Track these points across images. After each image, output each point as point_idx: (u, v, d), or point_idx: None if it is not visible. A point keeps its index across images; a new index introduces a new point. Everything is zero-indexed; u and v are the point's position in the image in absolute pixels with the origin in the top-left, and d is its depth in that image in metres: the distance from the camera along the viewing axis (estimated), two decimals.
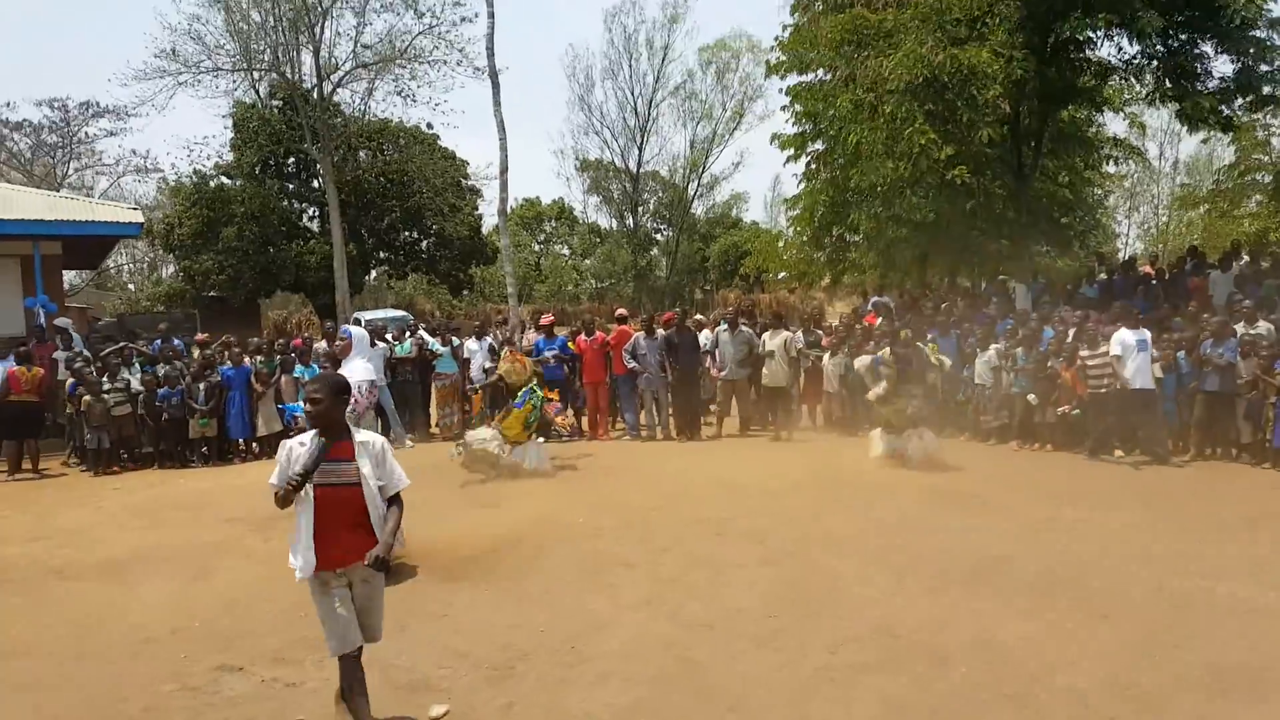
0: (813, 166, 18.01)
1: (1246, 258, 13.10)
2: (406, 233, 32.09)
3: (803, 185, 18.53)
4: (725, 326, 12.61)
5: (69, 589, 6.68)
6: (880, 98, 13.85)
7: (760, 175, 78.99)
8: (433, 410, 13.77)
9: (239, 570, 6.92)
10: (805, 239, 19.07)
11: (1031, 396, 10.67)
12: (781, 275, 21.52)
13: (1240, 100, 13.45)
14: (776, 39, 17.53)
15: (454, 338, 13.86)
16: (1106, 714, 4.05)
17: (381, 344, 12.85)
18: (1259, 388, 9.34)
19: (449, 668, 4.96)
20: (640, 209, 41.54)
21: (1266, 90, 13.19)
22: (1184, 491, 8.44)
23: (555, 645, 5.19)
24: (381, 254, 32.76)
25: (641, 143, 39.59)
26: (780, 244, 21.44)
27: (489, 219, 33.79)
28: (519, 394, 9.97)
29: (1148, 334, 9.89)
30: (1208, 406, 9.76)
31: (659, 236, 43.45)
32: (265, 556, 7.21)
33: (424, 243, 32.59)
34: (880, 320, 13.27)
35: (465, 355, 13.55)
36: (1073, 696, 4.22)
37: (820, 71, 16.57)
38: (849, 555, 6.58)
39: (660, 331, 12.62)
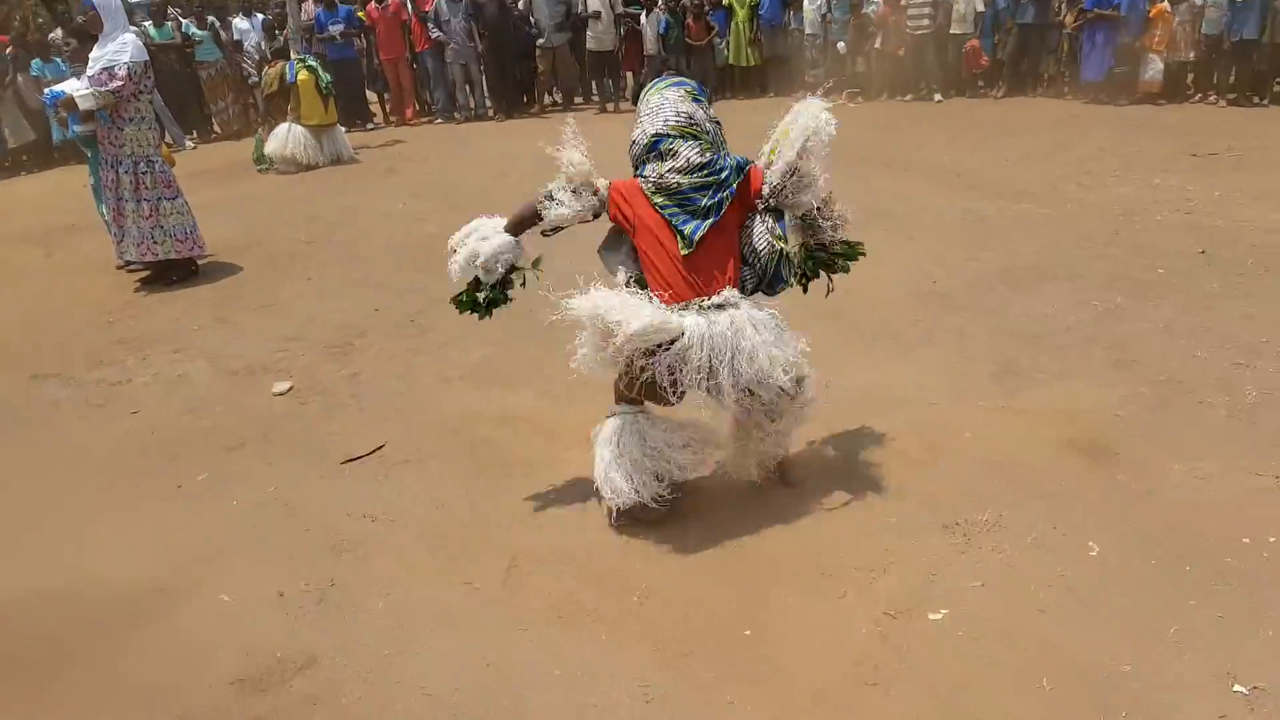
0: None
1: None
2: None
3: None
4: None
5: None
6: None
7: None
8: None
9: (28, 288, 6.43)
10: None
11: (841, 45, 10.69)
12: None
13: None
14: None
15: (212, 18, 11.98)
16: (909, 314, 4.56)
17: (134, 29, 10.97)
18: (1067, 17, 9.69)
19: (284, 351, 4.90)
20: None
21: None
22: (995, 124, 8.97)
23: (393, 322, 5.17)
24: None
25: None
26: None
27: None
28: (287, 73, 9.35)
29: None
30: (1021, 40, 10.12)
31: None
32: (55, 271, 6.79)
33: None
34: None
35: (236, 37, 11.88)
36: (882, 305, 4.70)
37: None
38: None
39: None
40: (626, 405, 2.99)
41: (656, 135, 2.83)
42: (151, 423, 4.22)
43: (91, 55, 5.65)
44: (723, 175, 2.82)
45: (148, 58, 5.78)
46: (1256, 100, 9.04)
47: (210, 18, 11.96)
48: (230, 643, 2.69)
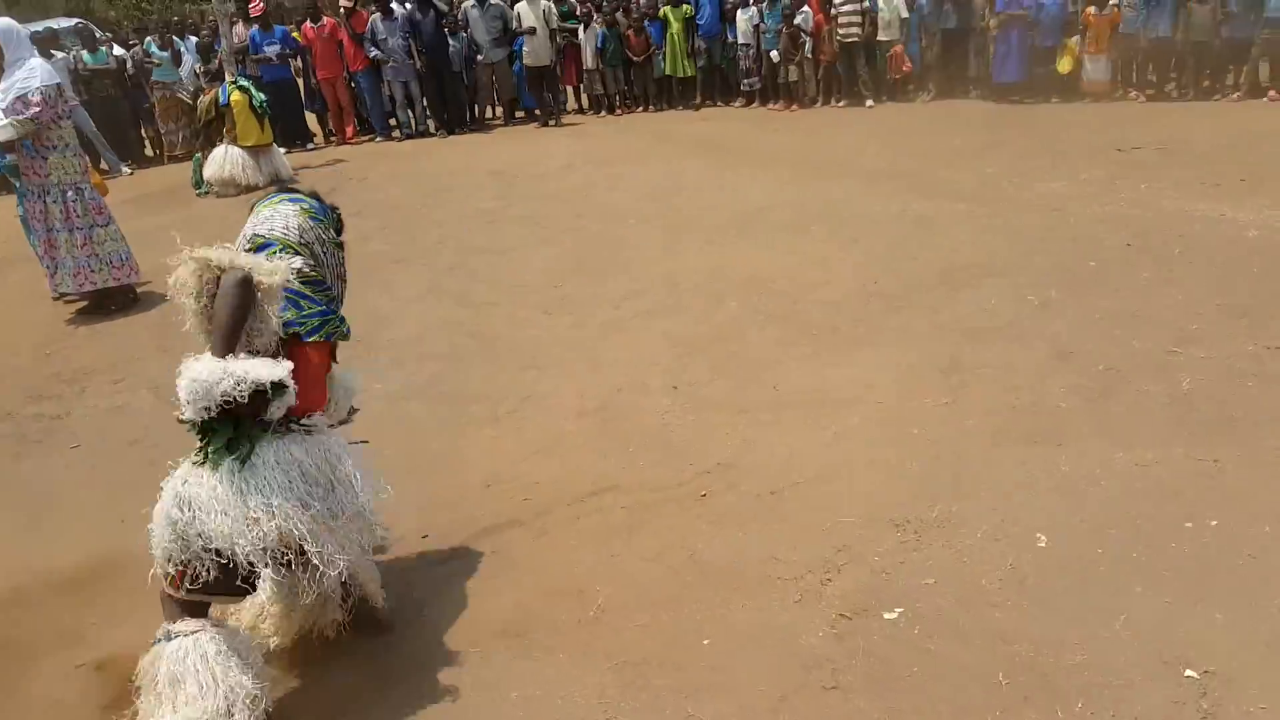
0: None
1: None
2: None
3: None
4: (473, 1, 11.44)
5: None
6: None
7: None
8: (146, 130, 12.14)
9: None
10: None
11: (774, 54, 10.84)
12: None
13: None
14: None
15: (176, 39, 11.78)
16: (853, 314, 4.62)
17: (60, 54, 10.72)
18: (990, 21, 9.89)
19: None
20: None
21: None
22: (926, 127, 9.21)
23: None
24: None
25: None
26: None
27: None
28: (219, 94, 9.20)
29: None
30: (945, 44, 10.37)
31: None
32: None
33: None
34: None
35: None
36: (828, 306, 4.76)
37: None
38: (627, 224, 6.74)
39: (399, 8, 11.26)
40: (189, 621, 2.23)
41: (265, 241, 2.38)
42: (93, 456, 4.12)
43: (0, 87, 5.45)
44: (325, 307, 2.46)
45: (59, 80, 5.62)
46: (1175, 96, 9.39)
47: (174, 39, 11.73)
48: None
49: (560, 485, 3.41)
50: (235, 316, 2.17)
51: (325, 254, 2.51)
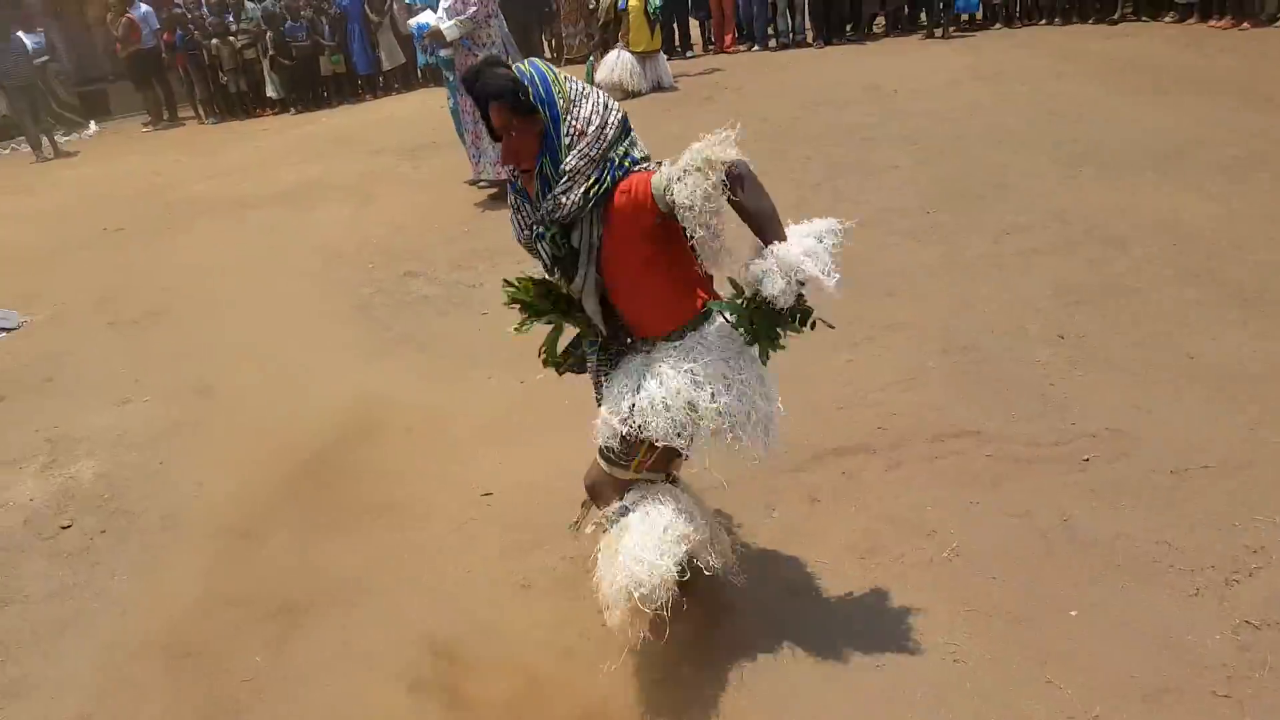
0: None
1: None
2: None
3: None
4: None
5: (256, 215, 7.52)
6: None
7: None
8: (547, 31, 13.30)
9: (399, 196, 7.47)
10: None
11: None
12: None
13: None
14: None
15: None
16: None
17: None
18: None
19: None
20: None
21: None
22: None
23: None
24: None
25: None
26: None
27: None
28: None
29: None
30: None
31: None
32: (420, 183, 7.79)
33: None
34: None
35: None
36: (1267, 269, 4.00)
37: None
38: (1016, 149, 6.16)
39: None
40: (637, 489, 2.31)
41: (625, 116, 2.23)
42: (498, 323, 4.78)
43: None
44: None
45: None
46: None
47: None
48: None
49: (917, 420, 3.33)
50: (769, 197, 2.09)
51: None
